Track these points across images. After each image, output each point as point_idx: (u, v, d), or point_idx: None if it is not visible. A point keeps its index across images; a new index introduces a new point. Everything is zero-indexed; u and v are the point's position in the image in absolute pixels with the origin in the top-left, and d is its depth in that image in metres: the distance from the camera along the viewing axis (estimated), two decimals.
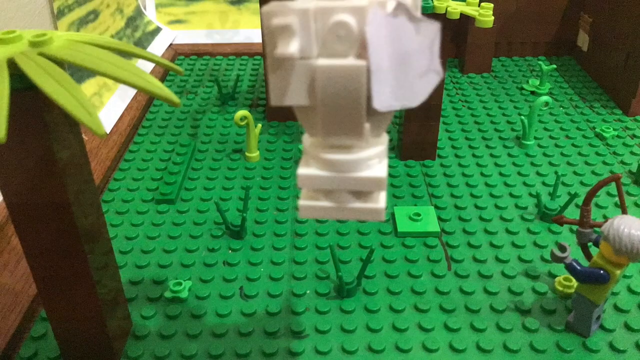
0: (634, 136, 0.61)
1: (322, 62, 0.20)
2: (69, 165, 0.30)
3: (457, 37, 0.76)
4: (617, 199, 0.51)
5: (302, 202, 0.24)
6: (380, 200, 0.24)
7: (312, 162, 0.24)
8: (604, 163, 0.56)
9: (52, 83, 0.24)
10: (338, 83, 0.20)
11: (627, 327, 0.38)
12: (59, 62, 0.26)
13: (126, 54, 0.29)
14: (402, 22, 0.19)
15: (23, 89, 0.27)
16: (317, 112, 0.22)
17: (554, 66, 0.68)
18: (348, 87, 0.20)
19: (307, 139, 0.24)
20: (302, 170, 0.23)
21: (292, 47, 0.20)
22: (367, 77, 0.20)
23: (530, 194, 0.51)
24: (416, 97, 0.20)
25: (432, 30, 0.20)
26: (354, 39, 0.20)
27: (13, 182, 0.30)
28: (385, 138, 0.24)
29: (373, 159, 0.23)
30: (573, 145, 0.59)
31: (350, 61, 0.20)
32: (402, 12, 0.19)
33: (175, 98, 0.26)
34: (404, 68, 0.20)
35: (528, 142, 0.58)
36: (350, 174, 0.23)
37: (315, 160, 0.23)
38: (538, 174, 0.54)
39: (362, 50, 0.20)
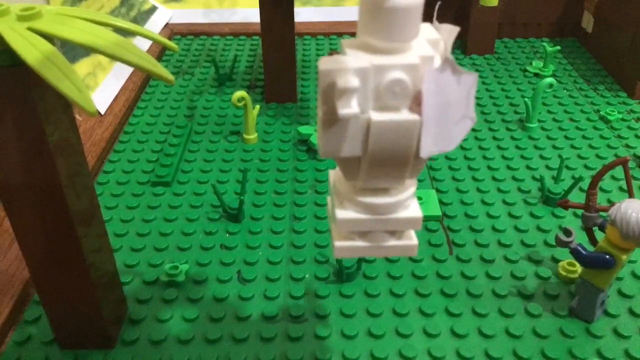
0: (638, 119, 0.60)
1: (377, 117, 0.21)
2: (61, 146, 0.29)
3: (459, 17, 0.74)
4: (621, 182, 0.50)
5: (337, 244, 0.25)
6: (413, 236, 0.26)
7: (348, 205, 0.24)
8: (609, 146, 0.55)
9: (41, 59, 0.24)
10: (391, 136, 0.21)
11: (632, 312, 0.38)
12: (49, 38, 0.25)
13: (120, 31, 0.28)
14: (448, 75, 0.21)
15: (11, 65, 0.26)
16: (364, 161, 0.22)
17: (558, 47, 0.67)
18: (401, 139, 0.21)
19: (340, 182, 0.25)
20: (342, 215, 0.24)
21: (354, 107, 0.21)
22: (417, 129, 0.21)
23: (534, 178, 0.51)
24: (453, 142, 0.22)
25: (470, 80, 0.21)
26: (408, 95, 0.21)
27: (3, 162, 0.29)
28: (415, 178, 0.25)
29: (409, 199, 0.24)
30: (577, 128, 0.58)
31: (405, 115, 0.21)
32: (449, 66, 0.21)
33: (170, 76, 0.25)
34: (445, 116, 0.21)
35: (531, 125, 0.58)
36: (390, 216, 0.24)
37: (352, 204, 0.24)
38: (541, 157, 0.54)
39: (413, 104, 0.21)
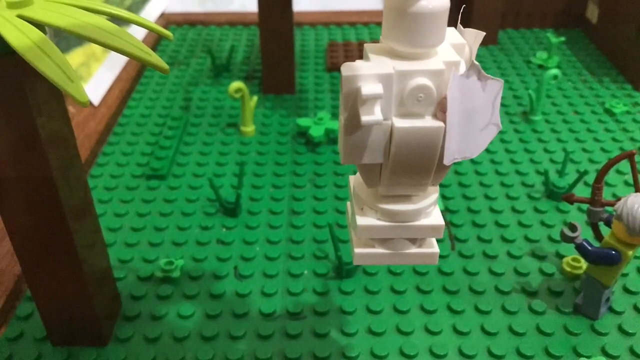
0: None
1: (401, 123, 0.21)
2: (53, 139, 0.29)
3: (461, 6, 0.73)
4: (627, 176, 0.49)
5: (357, 250, 0.25)
6: (434, 244, 0.25)
7: (368, 211, 0.24)
8: (614, 140, 0.55)
9: (31, 47, 0.23)
10: (414, 143, 0.21)
11: (637, 309, 0.37)
12: (40, 25, 0.25)
13: (114, 19, 0.27)
14: (474, 81, 0.20)
15: (1, 54, 0.25)
16: (385, 168, 0.22)
17: (563, 38, 0.67)
18: (424, 146, 0.21)
19: (361, 188, 0.24)
20: (362, 221, 0.24)
21: (377, 114, 0.20)
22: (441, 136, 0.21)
23: (538, 172, 0.50)
24: (477, 148, 0.22)
25: (497, 86, 0.21)
26: (432, 101, 0.21)
27: None
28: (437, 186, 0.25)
29: (431, 207, 0.24)
30: (582, 121, 0.58)
31: (429, 122, 0.21)
32: (474, 72, 0.20)
33: (164, 64, 0.25)
34: (469, 123, 0.21)
35: (535, 118, 0.57)
36: (411, 223, 0.24)
37: (373, 210, 0.24)
38: (545, 150, 0.53)
39: (437, 111, 0.21)
